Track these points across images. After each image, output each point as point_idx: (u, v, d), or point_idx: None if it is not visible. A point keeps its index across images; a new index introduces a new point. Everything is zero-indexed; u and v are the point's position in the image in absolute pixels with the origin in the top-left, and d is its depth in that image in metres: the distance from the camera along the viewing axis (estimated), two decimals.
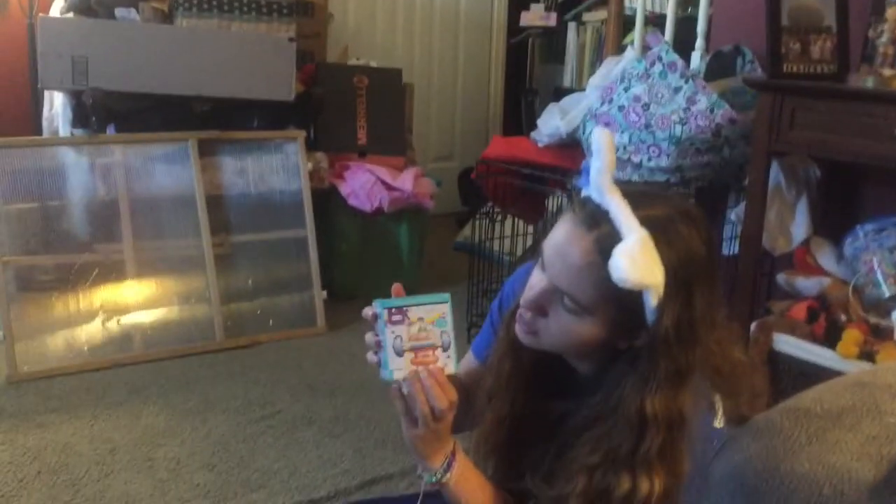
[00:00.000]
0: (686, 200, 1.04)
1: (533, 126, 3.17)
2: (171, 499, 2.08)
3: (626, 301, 0.93)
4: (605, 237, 0.94)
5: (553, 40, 4.63)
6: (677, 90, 2.50)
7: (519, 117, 4.71)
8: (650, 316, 0.94)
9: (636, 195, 0.97)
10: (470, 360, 1.26)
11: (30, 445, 2.30)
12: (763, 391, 1.15)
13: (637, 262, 0.90)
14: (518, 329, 1.06)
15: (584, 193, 1.01)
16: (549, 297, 0.99)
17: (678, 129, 2.47)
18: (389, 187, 3.37)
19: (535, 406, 1.11)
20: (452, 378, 1.02)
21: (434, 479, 1.03)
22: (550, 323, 1.01)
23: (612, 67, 2.84)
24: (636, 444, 0.95)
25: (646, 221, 0.93)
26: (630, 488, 0.94)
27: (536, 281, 1.02)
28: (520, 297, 1.05)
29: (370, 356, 1.02)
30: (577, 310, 0.97)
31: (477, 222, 3.14)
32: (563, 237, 0.97)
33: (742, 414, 1.08)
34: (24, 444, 2.30)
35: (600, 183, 0.95)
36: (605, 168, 0.95)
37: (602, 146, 0.95)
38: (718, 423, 1.03)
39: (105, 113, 2.98)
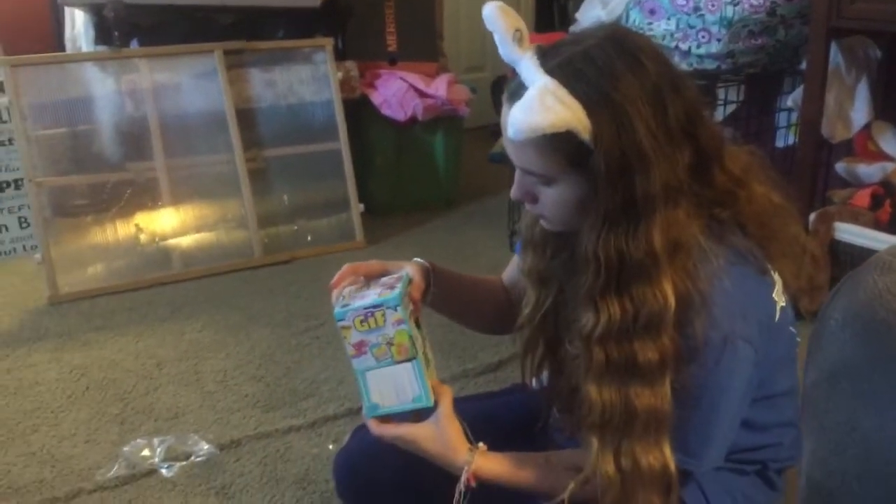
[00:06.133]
0: (614, 27, 0.99)
1: (566, 28, 3.01)
2: (220, 409, 2.06)
3: (571, 151, 0.90)
4: None
5: None
6: None
7: (552, 19, 4.52)
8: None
9: (550, 47, 0.94)
10: (515, 262, 1.26)
11: (76, 363, 2.29)
12: (824, 283, 1.09)
13: (533, 107, 0.87)
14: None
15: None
16: (524, 181, 0.99)
17: (730, 10, 2.32)
18: (423, 94, 3.25)
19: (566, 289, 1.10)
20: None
21: (464, 474, 1.03)
22: (545, 203, 0.99)
23: None
24: (592, 281, 0.94)
25: (554, 69, 0.90)
26: (590, 322, 0.94)
27: None
28: None
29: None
30: (544, 180, 0.96)
31: None
32: (503, 121, 0.95)
33: (800, 290, 1.03)
34: (71, 362, 2.29)
35: (506, 52, 0.93)
36: (503, 36, 0.93)
37: (491, 20, 0.93)
38: (777, 297, 0.98)
39: (128, 27, 2.89)
